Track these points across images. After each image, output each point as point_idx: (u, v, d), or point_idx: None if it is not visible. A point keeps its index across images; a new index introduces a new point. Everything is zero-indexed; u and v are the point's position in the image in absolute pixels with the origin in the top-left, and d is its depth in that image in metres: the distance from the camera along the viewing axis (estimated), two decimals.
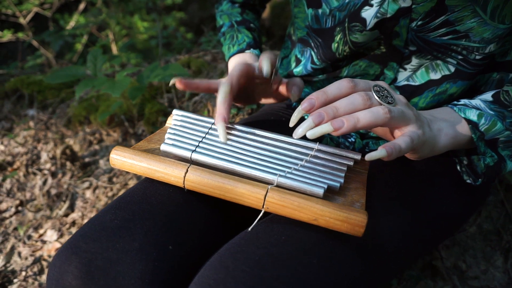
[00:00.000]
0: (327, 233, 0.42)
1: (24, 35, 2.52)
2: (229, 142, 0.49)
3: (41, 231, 1.18)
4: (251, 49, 0.68)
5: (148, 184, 0.48)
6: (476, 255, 0.84)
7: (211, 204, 0.49)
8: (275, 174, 0.44)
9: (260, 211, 0.42)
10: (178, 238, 0.44)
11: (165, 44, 2.56)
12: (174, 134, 0.50)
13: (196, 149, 0.48)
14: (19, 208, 1.25)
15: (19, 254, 1.13)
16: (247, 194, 0.41)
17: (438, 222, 0.56)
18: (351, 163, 0.49)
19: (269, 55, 0.54)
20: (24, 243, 1.16)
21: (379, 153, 0.39)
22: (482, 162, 0.51)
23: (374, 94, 0.42)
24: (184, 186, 0.44)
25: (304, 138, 0.57)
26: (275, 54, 0.55)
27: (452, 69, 0.55)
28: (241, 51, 0.68)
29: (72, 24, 2.71)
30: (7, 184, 1.32)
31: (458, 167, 0.58)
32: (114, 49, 2.58)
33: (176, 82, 0.49)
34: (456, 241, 0.86)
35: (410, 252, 0.53)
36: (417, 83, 0.57)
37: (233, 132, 0.51)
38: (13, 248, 1.15)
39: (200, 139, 0.49)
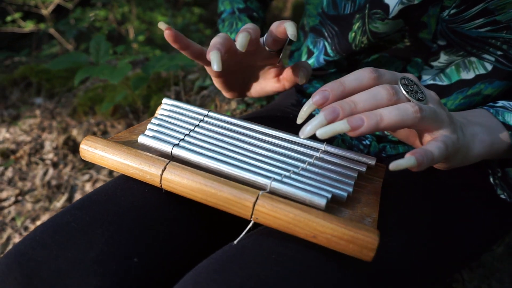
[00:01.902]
0: (329, 254, 0.34)
1: (45, 26, 2.53)
2: (220, 138, 0.42)
3: (38, 223, 1.14)
4: None
5: (122, 182, 0.41)
6: (503, 279, 0.75)
7: (193, 209, 0.42)
8: (269, 178, 0.36)
9: (249, 221, 0.35)
10: (147, 249, 0.37)
11: None
12: (158, 125, 0.43)
13: (179, 143, 0.41)
14: (19, 197, 1.22)
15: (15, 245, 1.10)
16: (233, 201, 0.34)
17: (463, 243, 0.48)
18: (364, 169, 0.41)
19: (288, 21, 0.42)
20: (21, 234, 1.12)
21: (407, 161, 0.31)
22: None
23: (401, 88, 0.34)
24: (161, 186, 0.37)
25: (312, 137, 0.49)
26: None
27: (489, 67, 0.47)
28: None
29: (92, 15, 2.71)
30: (9, 173, 1.29)
31: (491, 179, 0.50)
32: (132, 39, 2.55)
33: (166, 29, 0.39)
34: (481, 262, 0.77)
35: (427, 277, 0.45)
36: (445, 83, 0.50)
37: (225, 125, 0.44)
38: (9, 239, 1.11)
39: (187, 132, 0.42)
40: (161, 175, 0.36)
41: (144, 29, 2.94)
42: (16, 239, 1.11)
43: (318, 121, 0.32)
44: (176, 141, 0.41)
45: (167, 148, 0.40)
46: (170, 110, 0.46)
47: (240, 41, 0.39)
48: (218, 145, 0.41)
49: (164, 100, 0.47)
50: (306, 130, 0.33)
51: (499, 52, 0.45)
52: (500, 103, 0.44)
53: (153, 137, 0.41)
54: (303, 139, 0.42)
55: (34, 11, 2.69)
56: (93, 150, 0.39)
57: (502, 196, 0.49)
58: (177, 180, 0.36)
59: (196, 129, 0.43)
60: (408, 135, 0.40)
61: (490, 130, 0.40)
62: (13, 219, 1.16)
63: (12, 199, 1.22)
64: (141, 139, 0.41)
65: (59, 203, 1.15)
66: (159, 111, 0.47)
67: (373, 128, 0.31)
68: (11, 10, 2.66)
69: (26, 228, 1.13)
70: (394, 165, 0.31)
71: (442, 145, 0.33)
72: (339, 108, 0.32)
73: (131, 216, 0.38)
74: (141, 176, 0.38)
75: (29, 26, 2.65)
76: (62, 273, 0.32)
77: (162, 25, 0.39)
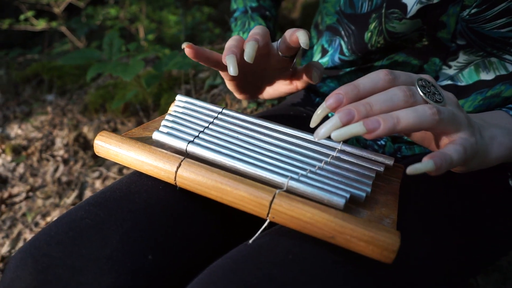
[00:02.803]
0: (347, 256, 0.33)
1: (57, 24, 2.56)
2: (235, 135, 0.42)
3: (48, 219, 1.15)
4: None
5: (136, 179, 0.41)
6: None
7: (207, 207, 0.42)
8: (286, 177, 0.36)
9: (265, 220, 0.34)
10: (161, 247, 0.36)
11: (191, 36, 2.53)
12: (172, 121, 0.43)
13: (194, 140, 0.40)
14: (30, 193, 1.23)
15: (25, 240, 1.10)
16: (249, 199, 0.34)
17: (482, 247, 0.47)
18: (381, 169, 0.40)
19: (300, 29, 0.42)
20: (31, 230, 1.13)
21: (425, 165, 0.30)
22: None
23: (418, 89, 0.33)
24: (175, 183, 0.36)
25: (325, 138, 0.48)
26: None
27: (510, 68, 0.46)
28: None
29: (104, 13, 2.73)
30: (20, 169, 1.31)
31: (511, 182, 0.49)
32: (142, 38, 2.57)
33: (186, 47, 0.41)
34: (496, 267, 0.75)
35: (445, 281, 0.44)
36: (463, 84, 0.48)
37: (240, 123, 0.43)
38: (19, 234, 1.12)
39: (201, 129, 0.42)
40: (176, 172, 0.36)
41: (154, 28, 2.95)
42: (27, 234, 1.12)
43: (333, 123, 0.31)
44: (191, 138, 0.40)
45: (181, 145, 0.39)
46: (183, 107, 0.46)
47: (248, 51, 0.38)
48: (233, 143, 0.40)
49: (178, 97, 0.47)
50: (321, 133, 0.32)
51: None
52: None
53: (168, 134, 0.41)
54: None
55: (46, 9, 2.72)
56: (107, 145, 0.39)
57: None
58: (192, 178, 0.35)
59: (211, 126, 0.43)
60: (424, 137, 0.39)
61: (509, 133, 0.39)
62: (24, 214, 1.17)
63: (23, 195, 1.23)
64: (156, 136, 0.41)
65: (69, 199, 1.15)
66: (172, 108, 0.46)
67: (390, 130, 0.30)
68: (24, 8, 2.70)
69: (36, 224, 1.14)
70: (411, 169, 0.31)
71: (461, 149, 0.32)
72: (355, 110, 0.31)
73: (146, 214, 0.37)
74: (156, 173, 0.37)
75: (41, 25, 2.68)
76: (76, 270, 0.32)
77: (184, 45, 0.41)
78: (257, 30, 0.41)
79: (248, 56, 0.38)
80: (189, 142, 0.40)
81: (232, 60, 0.38)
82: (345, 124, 0.31)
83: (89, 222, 0.34)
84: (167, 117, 0.44)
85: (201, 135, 0.41)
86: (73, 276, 0.32)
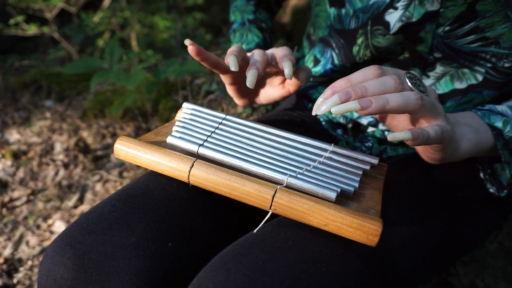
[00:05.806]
0: (339, 241, 0.39)
1: (49, 30, 2.57)
2: (239, 139, 0.47)
3: (50, 221, 1.18)
4: None
5: (152, 177, 0.46)
6: (496, 274, 0.80)
7: (216, 202, 0.47)
8: (286, 174, 0.41)
9: (268, 212, 0.40)
10: (178, 236, 0.41)
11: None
12: (182, 127, 0.48)
13: (204, 143, 0.45)
14: (31, 197, 1.26)
15: (27, 243, 1.14)
16: (254, 194, 0.39)
17: (458, 236, 0.52)
18: (368, 167, 0.46)
19: (288, 55, 0.49)
20: (33, 232, 1.16)
21: (404, 134, 0.36)
22: (507, 172, 0.48)
23: (407, 80, 0.40)
24: (188, 181, 0.42)
25: (318, 138, 0.54)
26: (290, 50, 0.51)
27: (480, 78, 0.52)
28: (249, 51, 0.66)
29: (95, 19, 2.75)
30: (20, 173, 1.33)
31: (482, 175, 0.55)
32: (134, 44, 2.60)
33: (190, 45, 0.46)
34: (475, 258, 0.81)
35: (426, 267, 0.50)
36: (440, 92, 0.55)
37: (243, 128, 0.48)
38: (21, 237, 1.15)
39: (209, 134, 0.47)
40: (189, 171, 0.41)
41: (146, 33, 2.98)
42: (29, 237, 1.15)
43: (333, 101, 0.37)
44: (201, 142, 0.46)
45: (193, 147, 0.45)
46: (191, 114, 0.51)
47: (288, 71, 0.46)
48: (238, 145, 0.46)
49: (185, 105, 0.52)
50: (322, 109, 0.38)
51: (488, 65, 0.50)
52: (487, 106, 0.48)
53: (180, 138, 0.46)
54: (311, 140, 0.47)
55: (38, 14, 2.73)
56: (126, 149, 0.44)
57: (491, 190, 0.54)
58: (204, 176, 0.41)
59: (217, 130, 0.48)
60: (408, 126, 0.45)
61: (476, 131, 0.46)
62: (25, 218, 1.20)
63: (24, 198, 1.26)
64: (170, 140, 0.46)
65: (71, 202, 1.19)
66: (181, 115, 0.52)
67: (380, 109, 0.36)
68: (14, 13, 2.70)
69: (38, 227, 1.17)
70: (391, 136, 0.37)
71: (438, 129, 0.38)
72: (352, 91, 0.37)
73: (164, 208, 0.42)
74: (171, 172, 0.42)
75: (32, 29, 2.68)
76: (108, 255, 0.37)
77: (187, 42, 0.46)
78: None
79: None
80: (200, 145, 0.45)
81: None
82: (343, 102, 0.37)
83: (116, 215, 0.40)
84: (177, 123, 0.49)
85: (209, 139, 0.46)
86: (106, 260, 0.37)
